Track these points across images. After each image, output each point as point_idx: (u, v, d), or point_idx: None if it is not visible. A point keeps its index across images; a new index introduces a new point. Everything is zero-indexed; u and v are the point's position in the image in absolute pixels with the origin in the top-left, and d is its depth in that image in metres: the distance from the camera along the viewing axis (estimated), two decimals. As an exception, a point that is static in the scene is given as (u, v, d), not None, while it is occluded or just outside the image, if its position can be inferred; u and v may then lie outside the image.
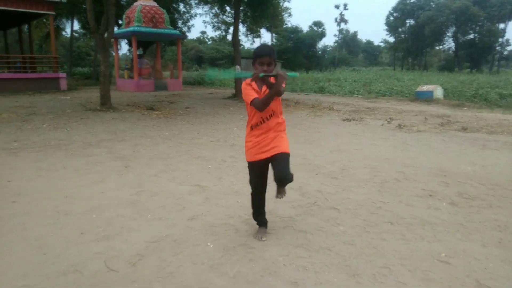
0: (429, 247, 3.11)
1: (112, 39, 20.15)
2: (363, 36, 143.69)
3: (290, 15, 45.03)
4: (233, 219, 3.67)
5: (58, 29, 35.53)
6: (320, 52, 73.44)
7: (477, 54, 65.11)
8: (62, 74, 18.58)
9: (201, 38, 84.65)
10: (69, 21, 32.85)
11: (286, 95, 19.03)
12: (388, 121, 10.00)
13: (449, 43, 72.31)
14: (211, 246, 3.11)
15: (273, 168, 3.04)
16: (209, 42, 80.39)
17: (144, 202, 4.10)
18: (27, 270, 2.70)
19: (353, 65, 78.70)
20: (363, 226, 3.52)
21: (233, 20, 22.06)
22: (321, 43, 75.45)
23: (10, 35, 32.22)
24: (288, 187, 4.61)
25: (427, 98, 14.66)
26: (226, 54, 61.50)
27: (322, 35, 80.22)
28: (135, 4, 19.12)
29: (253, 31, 21.90)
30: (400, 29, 76.69)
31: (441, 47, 76.09)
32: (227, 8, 19.44)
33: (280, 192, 3.25)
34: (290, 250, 3.05)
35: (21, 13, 17.73)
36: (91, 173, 5.18)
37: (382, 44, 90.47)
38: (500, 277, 2.66)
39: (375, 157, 6.26)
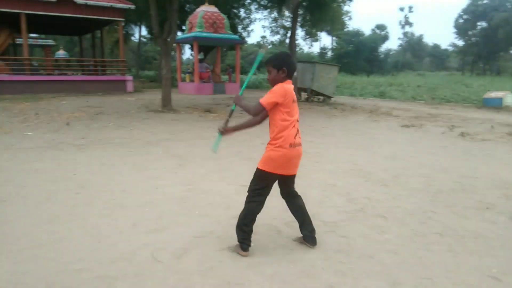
0: (480, 262, 2.95)
1: (175, 44, 21.14)
2: (429, 40, 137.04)
3: (350, 18, 44.17)
4: (276, 221, 3.72)
5: (128, 35, 37.74)
6: (382, 56, 71.15)
7: (562, 57, 59.52)
8: (129, 77, 19.73)
9: (261, 42, 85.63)
10: (138, 27, 34.82)
11: (343, 99, 18.73)
12: (450, 129, 9.50)
13: (527, 47, 66.93)
14: (252, 245, 3.18)
15: None
16: (269, 47, 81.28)
17: (193, 199, 4.28)
18: (83, 255, 2.94)
19: (417, 69, 75.47)
20: (409, 236, 3.41)
21: (291, 25, 22.19)
22: (384, 47, 72.98)
23: (85, 40, 34.90)
24: (335, 192, 4.60)
25: (495, 105, 13.70)
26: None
27: (385, 38, 77.77)
28: (198, 10, 19.84)
29: (312, 35, 21.75)
30: (470, 32, 72.33)
31: (516, 51, 70.68)
32: (286, 12, 19.54)
33: None
34: (330, 255, 3.04)
35: (95, 20, 19.13)
36: (147, 170, 5.49)
37: (450, 48, 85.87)
38: (557, 299, 2.46)
39: (432, 165, 6.00)
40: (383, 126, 10.17)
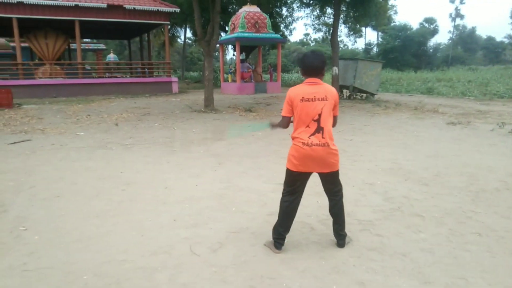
0: (520, 265, 2.86)
1: (218, 45, 21.57)
2: (483, 32, 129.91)
3: (395, 12, 42.74)
4: (310, 218, 3.79)
5: (173, 37, 38.91)
6: (431, 51, 68.34)
7: None
8: (174, 78, 20.39)
9: (304, 40, 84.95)
10: (183, 29, 35.76)
11: (387, 96, 18.26)
12: (500, 126, 9.04)
13: None
14: (286, 241, 3.27)
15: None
16: (312, 44, 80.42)
17: (230, 196, 4.44)
18: (127, 247, 3.17)
19: (469, 63, 71.82)
20: (446, 235, 3.36)
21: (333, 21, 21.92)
22: (433, 41, 70.08)
23: (133, 43, 36.40)
24: (372, 191, 4.58)
25: (554, 100, 12.82)
26: (329, 55, 61.01)
27: (434, 32, 74.61)
28: (240, 11, 20.12)
29: (356, 31, 21.38)
30: (529, 22, 67.81)
31: None
32: (328, 9, 19.33)
33: None
34: (362, 252, 3.07)
35: (143, 24, 19.95)
36: (189, 168, 5.72)
37: (505, 40, 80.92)
38: None
39: (476, 164, 5.78)
40: (427, 123, 9.86)
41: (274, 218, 3.72)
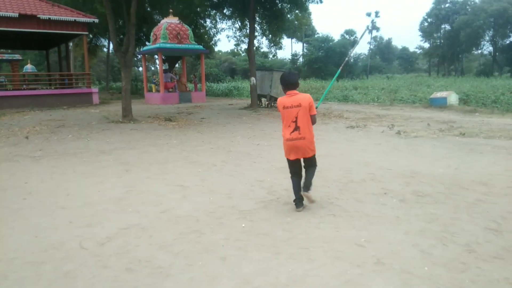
0: (354, 234, 3.58)
1: (141, 56, 21.54)
2: (398, 43, 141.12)
3: (307, 27, 45.32)
4: (198, 212, 4.27)
5: (97, 47, 37.79)
6: (352, 61, 72.89)
7: (517, 58, 62.58)
8: (95, 89, 20.00)
9: (235, 50, 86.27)
10: (107, 39, 34.91)
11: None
12: (389, 128, 10.28)
13: (487, 47, 70.12)
14: (171, 231, 3.72)
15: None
16: (243, 54, 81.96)
17: (129, 199, 4.79)
18: (18, 247, 3.43)
19: (386, 72, 77.84)
20: (307, 218, 4.01)
21: (256, 34, 22.91)
22: (354, 51, 74.75)
23: (54, 53, 34.72)
24: (260, 186, 5.20)
25: (440, 104, 14.68)
26: (258, 65, 62.45)
27: (354, 43, 79.90)
28: (162, 22, 20.35)
29: (275, 43, 22.52)
30: (435, 35, 75.23)
31: (478, 51, 73.91)
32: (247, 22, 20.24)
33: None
34: (233, 234, 3.61)
35: (59, 34, 19.34)
36: (95, 176, 5.96)
37: (417, 51, 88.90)
38: (401, 258, 3.09)
39: (356, 161, 6.68)
40: (330, 128, 10.88)
41: (166, 216, 4.18)
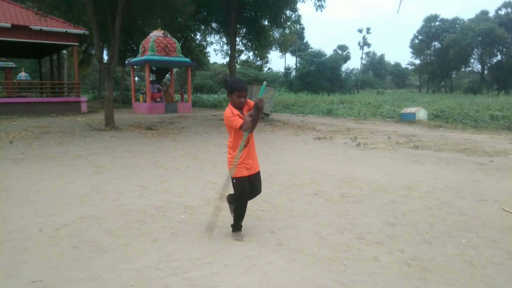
0: (272, 224, 4.26)
1: (129, 67, 22.30)
2: (391, 59, 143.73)
3: (291, 45, 46.48)
4: (148, 207, 4.93)
5: (91, 56, 38.58)
6: (343, 75, 74.24)
7: (505, 76, 64.17)
8: (83, 98, 20.69)
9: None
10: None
11: (282, 117, 20.24)
12: (352, 140, 11.03)
13: (475, 65, 71.85)
14: (119, 221, 4.38)
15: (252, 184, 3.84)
16: (238, 67, 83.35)
17: (92, 196, 5.45)
18: (-14, 230, 4.07)
19: (378, 87, 79.29)
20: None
21: (243, 48, 23.85)
22: (346, 66, 76.20)
23: (47, 62, 35.40)
24: (211, 187, 5.86)
25: (409, 119, 15.50)
26: (253, 77, 63.58)
27: (346, 58, 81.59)
28: (150, 35, 21.17)
29: (261, 57, 23.47)
30: (426, 52, 76.96)
31: (468, 69, 75.66)
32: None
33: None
34: (174, 226, 4.27)
35: (51, 45, 20.11)
36: (67, 177, 6.60)
37: (409, 67, 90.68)
38: (300, 241, 3.76)
39: (307, 168, 7.39)
40: (299, 139, 11.61)
41: (120, 209, 4.83)
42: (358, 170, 7.19)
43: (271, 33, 19.17)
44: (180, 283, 2.98)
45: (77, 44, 20.45)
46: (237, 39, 20.06)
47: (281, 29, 20.88)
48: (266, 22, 18.06)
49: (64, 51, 29.43)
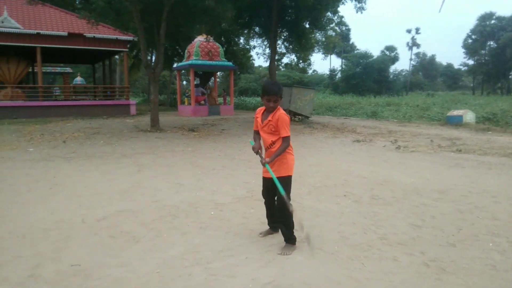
0: (297, 223, 4.37)
1: (176, 71, 23.18)
2: (443, 59, 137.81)
3: (334, 47, 45.60)
4: (182, 203, 5.21)
5: (140, 61, 40.38)
6: (392, 77, 72.27)
7: None
8: (133, 101, 21.78)
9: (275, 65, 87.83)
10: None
11: (322, 119, 20.13)
12: (392, 143, 10.82)
13: (537, 65, 67.21)
14: (154, 214, 4.68)
15: None
16: (282, 70, 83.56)
17: (132, 192, 5.83)
18: (36, 219, 4.51)
19: (428, 89, 76.40)
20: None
21: (285, 51, 24.01)
22: (394, 68, 73.93)
23: (101, 67, 37.49)
24: (243, 187, 6.06)
25: (456, 122, 14.91)
26: (297, 80, 63.53)
27: (394, 59, 79.24)
28: (195, 40, 21.89)
29: (304, 60, 23.52)
30: (480, 52, 73.17)
31: (527, 70, 70.98)
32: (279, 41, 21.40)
33: None
34: (200, 219, 4.51)
35: (103, 51, 21.38)
36: (111, 174, 7.08)
37: (462, 68, 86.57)
38: (321, 240, 3.86)
39: (340, 170, 7.40)
40: (337, 141, 11.57)
41: (156, 204, 5.15)
42: (393, 173, 7.11)
43: (312, 35, 19.16)
44: (202, 272, 3.18)
45: (127, 50, 21.56)
46: (279, 42, 20.32)
47: (323, 31, 20.80)
48: (307, 25, 18.12)
49: (116, 57, 31.05)
